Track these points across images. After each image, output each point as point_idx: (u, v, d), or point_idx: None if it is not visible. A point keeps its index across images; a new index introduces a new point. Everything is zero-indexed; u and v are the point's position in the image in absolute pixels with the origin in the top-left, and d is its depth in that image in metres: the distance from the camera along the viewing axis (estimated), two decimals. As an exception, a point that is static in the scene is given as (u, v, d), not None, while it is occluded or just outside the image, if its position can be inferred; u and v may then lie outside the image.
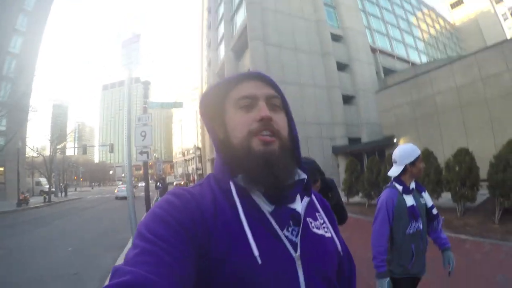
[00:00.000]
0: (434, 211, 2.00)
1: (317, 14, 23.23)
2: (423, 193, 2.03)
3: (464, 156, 6.87)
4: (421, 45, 41.62)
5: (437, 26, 52.74)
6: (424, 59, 39.13)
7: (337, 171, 17.88)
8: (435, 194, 7.50)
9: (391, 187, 2.00)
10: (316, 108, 19.97)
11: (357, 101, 22.08)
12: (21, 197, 18.92)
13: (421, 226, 1.90)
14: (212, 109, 0.69)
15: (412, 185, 1.99)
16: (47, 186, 33.25)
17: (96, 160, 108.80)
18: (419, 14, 46.34)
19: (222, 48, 28.09)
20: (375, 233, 1.93)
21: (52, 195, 24.97)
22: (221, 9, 28.49)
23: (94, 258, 5.84)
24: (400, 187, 1.95)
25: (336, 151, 19.02)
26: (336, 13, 25.16)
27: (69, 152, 33.75)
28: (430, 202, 2.02)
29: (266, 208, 0.61)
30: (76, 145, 33.06)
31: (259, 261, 0.54)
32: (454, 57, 15.38)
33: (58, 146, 27.88)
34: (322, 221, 0.71)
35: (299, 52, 21.11)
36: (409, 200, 1.91)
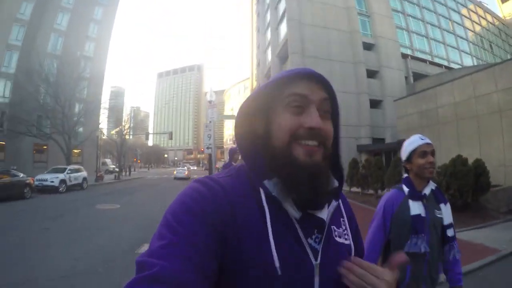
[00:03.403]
0: (450, 232, 1.53)
1: (351, 25, 25.33)
2: (441, 205, 1.54)
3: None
4: (464, 45, 40.58)
5: (484, 23, 49.81)
6: (467, 59, 38.65)
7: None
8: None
9: (397, 188, 1.61)
10: (345, 112, 22.57)
11: (384, 105, 24.01)
12: (98, 175, 23.90)
13: (426, 246, 1.44)
14: (260, 104, 0.64)
15: (427, 190, 1.54)
16: (112, 166, 39.62)
17: (150, 144, 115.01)
18: (463, 11, 44.49)
19: (269, 52, 30.66)
20: (368, 240, 1.55)
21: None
22: (268, 17, 31.11)
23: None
24: (406, 189, 1.54)
25: (360, 149, 22.06)
26: (369, 22, 26.83)
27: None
28: (448, 219, 1.53)
29: (294, 214, 0.60)
30: (131, 129, 37.65)
31: (279, 272, 0.54)
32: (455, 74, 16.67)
33: (116, 130, 32.68)
34: (344, 228, 0.70)
35: (333, 61, 23.51)
36: (416, 208, 1.48)
